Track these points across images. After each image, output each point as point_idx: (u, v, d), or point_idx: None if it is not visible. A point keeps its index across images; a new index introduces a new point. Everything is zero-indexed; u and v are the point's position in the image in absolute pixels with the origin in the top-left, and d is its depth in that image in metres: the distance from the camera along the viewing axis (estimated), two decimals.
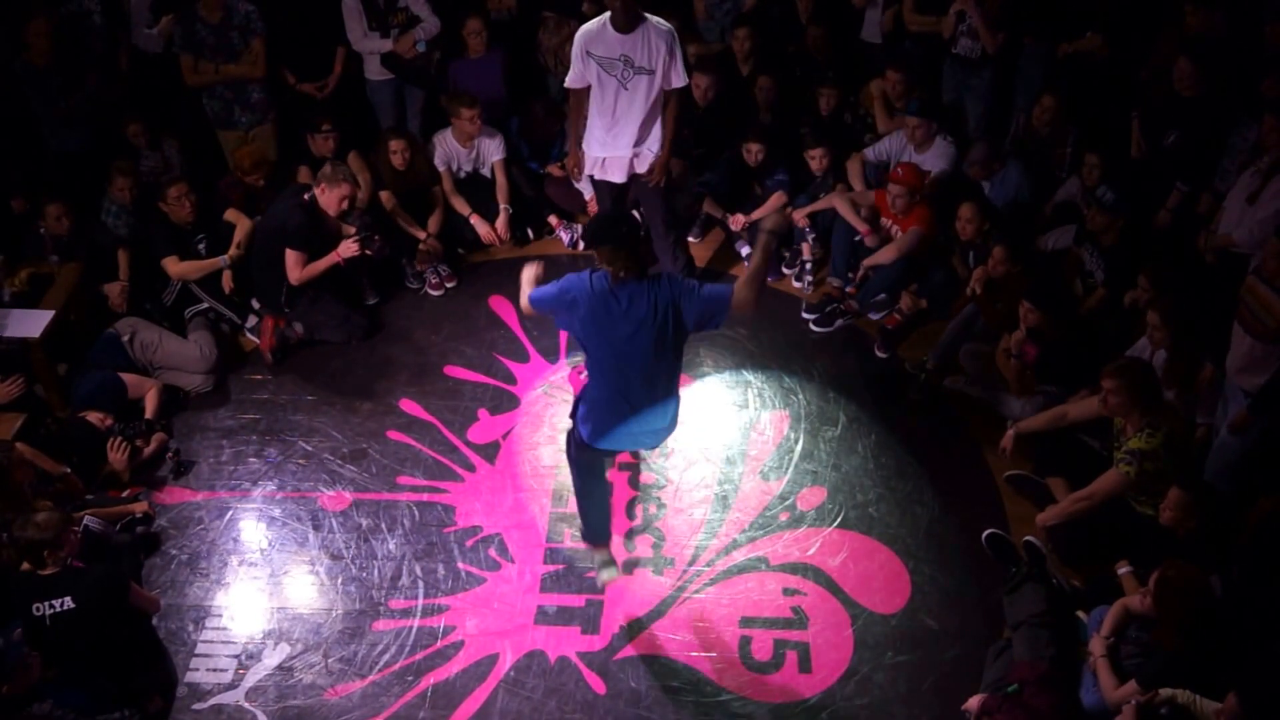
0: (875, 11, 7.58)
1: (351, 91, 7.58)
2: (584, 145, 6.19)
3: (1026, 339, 5.80)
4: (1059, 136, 6.85)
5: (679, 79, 5.88)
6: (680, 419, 4.70)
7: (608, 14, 5.77)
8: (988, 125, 7.33)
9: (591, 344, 4.45)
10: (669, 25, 5.82)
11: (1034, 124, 6.88)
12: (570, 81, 6.01)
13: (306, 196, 6.35)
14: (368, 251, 6.43)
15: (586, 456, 4.79)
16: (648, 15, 5.77)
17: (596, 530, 5.04)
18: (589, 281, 4.37)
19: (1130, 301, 5.84)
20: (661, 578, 5.28)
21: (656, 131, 6.05)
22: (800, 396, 6.24)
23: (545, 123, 7.52)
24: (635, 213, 6.93)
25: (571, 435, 4.77)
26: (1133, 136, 6.50)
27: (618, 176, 6.19)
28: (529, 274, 4.72)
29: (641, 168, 6.14)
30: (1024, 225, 6.63)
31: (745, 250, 7.21)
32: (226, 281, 6.61)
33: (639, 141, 6.04)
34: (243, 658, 4.98)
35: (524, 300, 4.62)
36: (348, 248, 6.35)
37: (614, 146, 6.07)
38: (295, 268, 6.33)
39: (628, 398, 4.48)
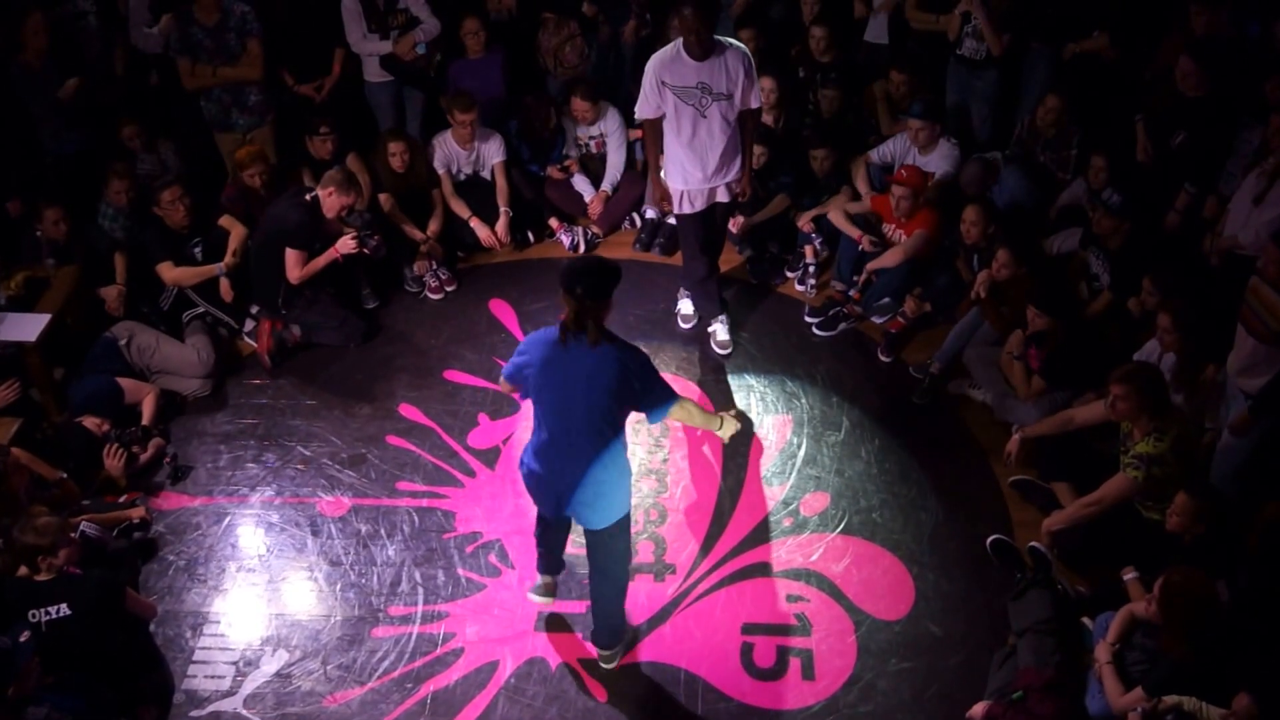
0: (881, 14, 7.56)
1: (350, 93, 7.55)
2: (665, 177, 6.04)
3: (1031, 342, 5.77)
4: (1064, 138, 6.81)
5: (756, 99, 5.78)
6: (606, 507, 4.39)
7: (680, 40, 5.62)
8: (992, 127, 7.30)
9: (536, 392, 4.26)
10: (743, 47, 5.71)
11: (1038, 124, 6.85)
12: (642, 112, 5.84)
13: (308, 196, 6.33)
14: (365, 250, 6.41)
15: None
16: (720, 38, 5.64)
17: (542, 561, 4.95)
18: (549, 333, 4.19)
19: (1135, 306, 5.80)
20: (663, 584, 5.25)
21: (736, 159, 5.93)
22: (803, 401, 6.20)
23: (538, 111, 7.46)
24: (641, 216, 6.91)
25: None
26: (1138, 141, 6.46)
27: (700, 205, 6.06)
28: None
29: (723, 196, 6.05)
30: (1029, 228, 6.60)
31: (747, 252, 7.17)
32: (225, 291, 6.57)
33: (720, 170, 5.90)
34: (241, 664, 4.95)
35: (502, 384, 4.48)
36: (346, 244, 6.34)
37: (698, 179, 5.92)
38: (295, 267, 6.31)
39: (550, 456, 4.30)
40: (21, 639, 4.22)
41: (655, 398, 4.21)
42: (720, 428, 4.62)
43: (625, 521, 4.51)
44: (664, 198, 6.09)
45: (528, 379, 4.25)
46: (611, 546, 4.56)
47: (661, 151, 6.00)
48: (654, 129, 5.93)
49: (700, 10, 5.44)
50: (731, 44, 5.67)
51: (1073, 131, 6.81)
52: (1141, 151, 6.43)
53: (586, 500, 4.34)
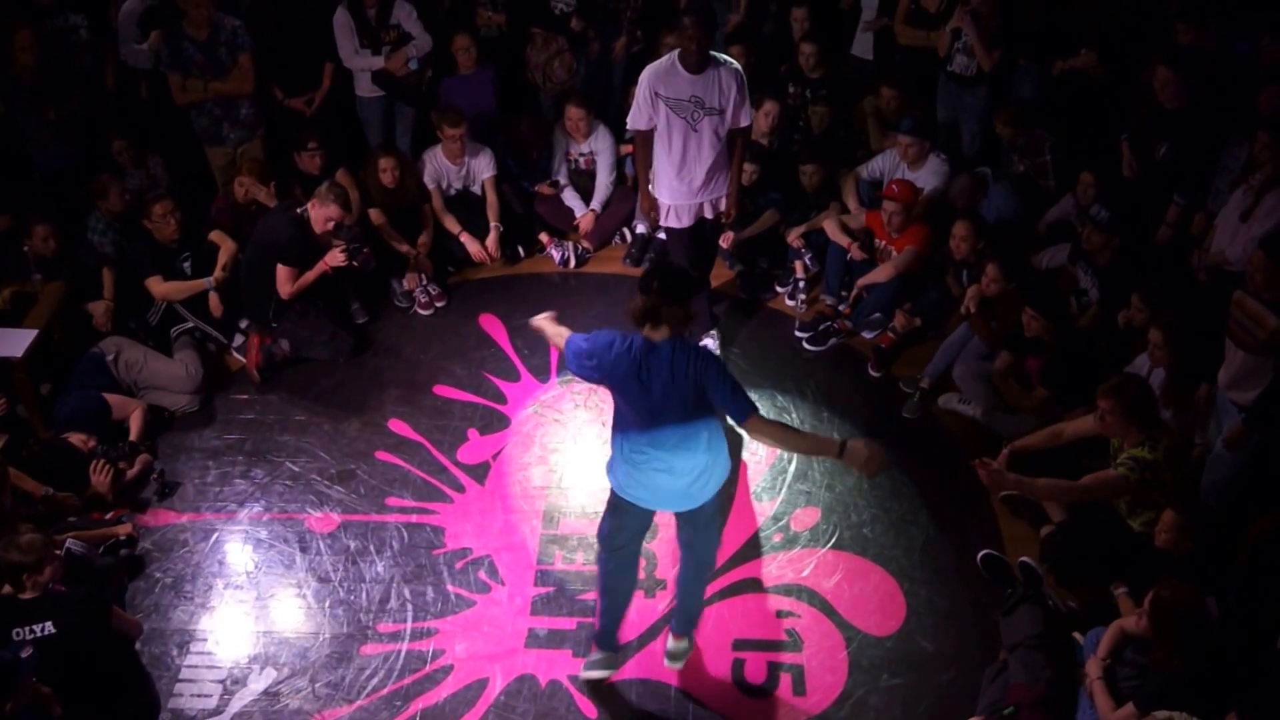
0: (870, 25, 7.60)
1: (341, 108, 7.55)
2: (654, 190, 6.05)
3: (1028, 353, 5.77)
4: (1034, 144, 6.86)
5: (746, 118, 5.80)
6: (720, 475, 4.39)
7: (675, 53, 5.65)
8: (982, 143, 7.33)
9: (618, 397, 4.27)
10: (737, 64, 5.73)
11: (1000, 137, 6.89)
12: (634, 123, 5.86)
13: (299, 211, 6.32)
14: (354, 263, 6.40)
15: (615, 525, 4.54)
16: (715, 54, 5.67)
17: (608, 628, 4.79)
18: (623, 340, 4.19)
19: (1124, 320, 5.82)
20: (653, 600, 5.22)
21: (723, 176, 5.95)
22: (793, 416, 6.20)
23: (531, 141, 7.49)
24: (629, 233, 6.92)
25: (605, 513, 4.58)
26: (1124, 158, 6.49)
27: (687, 221, 6.07)
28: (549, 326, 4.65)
29: (709, 212, 6.06)
30: (1018, 243, 6.62)
31: (737, 268, 7.18)
32: (215, 306, 6.55)
33: (708, 185, 5.91)
34: (228, 683, 4.90)
35: (559, 341, 4.50)
36: (335, 257, 6.33)
37: (684, 193, 5.93)
38: (286, 282, 6.31)
39: (648, 450, 4.26)
40: (24, 655, 4.19)
41: (734, 397, 4.12)
42: (841, 455, 4.19)
43: (722, 494, 4.51)
44: (653, 207, 6.10)
45: (593, 375, 4.27)
46: (711, 524, 4.58)
47: (651, 164, 6.00)
48: (645, 141, 5.94)
49: (700, 20, 5.50)
50: (726, 60, 5.69)
51: (1042, 138, 6.87)
52: (1127, 168, 6.47)
53: (702, 479, 4.33)
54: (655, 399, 4.13)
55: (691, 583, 4.75)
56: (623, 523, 4.53)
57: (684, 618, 4.86)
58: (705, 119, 5.70)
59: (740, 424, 4.15)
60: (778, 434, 4.24)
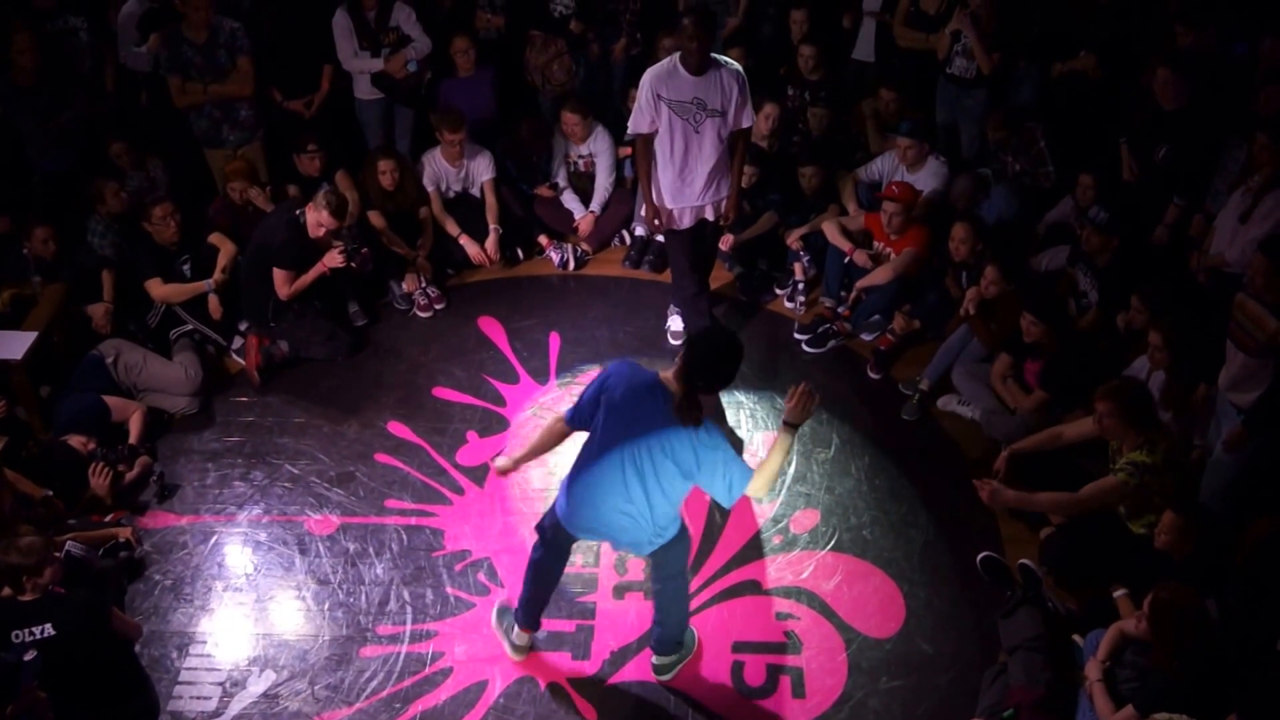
0: (868, 29, 7.60)
1: (340, 110, 7.55)
2: (655, 195, 6.05)
3: (1027, 356, 5.78)
4: (1026, 138, 6.89)
5: (748, 119, 5.81)
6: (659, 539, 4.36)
7: (676, 55, 5.66)
8: (981, 146, 7.34)
9: (599, 424, 4.19)
10: (739, 67, 5.74)
11: (993, 142, 6.90)
12: (636, 126, 5.86)
13: (297, 213, 6.32)
14: (352, 264, 6.40)
15: (555, 533, 4.52)
16: (716, 56, 5.68)
17: (530, 608, 4.83)
18: (634, 373, 4.14)
19: (1124, 323, 5.82)
20: (652, 602, 5.21)
21: (724, 178, 5.96)
22: None
23: (531, 144, 7.49)
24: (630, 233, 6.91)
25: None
26: (1123, 161, 6.50)
27: (688, 223, 6.08)
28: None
29: (710, 214, 6.06)
30: (1017, 245, 6.62)
31: (737, 270, 7.17)
32: (214, 308, 6.55)
33: (709, 188, 5.92)
34: (227, 685, 4.90)
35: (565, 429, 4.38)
36: (333, 258, 6.33)
37: (686, 196, 5.94)
38: (283, 285, 6.31)
39: (610, 496, 4.20)
40: (27, 658, 4.18)
41: (716, 484, 4.07)
42: (792, 432, 4.22)
43: (683, 531, 4.48)
44: (655, 215, 6.08)
45: (592, 411, 4.20)
46: (673, 556, 4.53)
47: (652, 169, 6.00)
48: (646, 145, 5.94)
49: (700, 20, 5.52)
50: (727, 62, 5.70)
51: (1032, 128, 6.91)
52: (1127, 171, 6.47)
53: (642, 540, 4.33)
54: (638, 450, 4.05)
55: (664, 608, 4.75)
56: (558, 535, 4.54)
57: (663, 639, 4.84)
58: (707, 121, 5.70)
59: (727, 497, 4.11)
60: (768, 477, 4.15)
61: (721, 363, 4.03)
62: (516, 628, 4.89)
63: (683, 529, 4.47)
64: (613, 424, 4.13)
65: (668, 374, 4.07)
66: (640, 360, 6.38)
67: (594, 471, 4.20)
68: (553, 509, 4.47)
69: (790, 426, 4.14)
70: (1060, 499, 5.06)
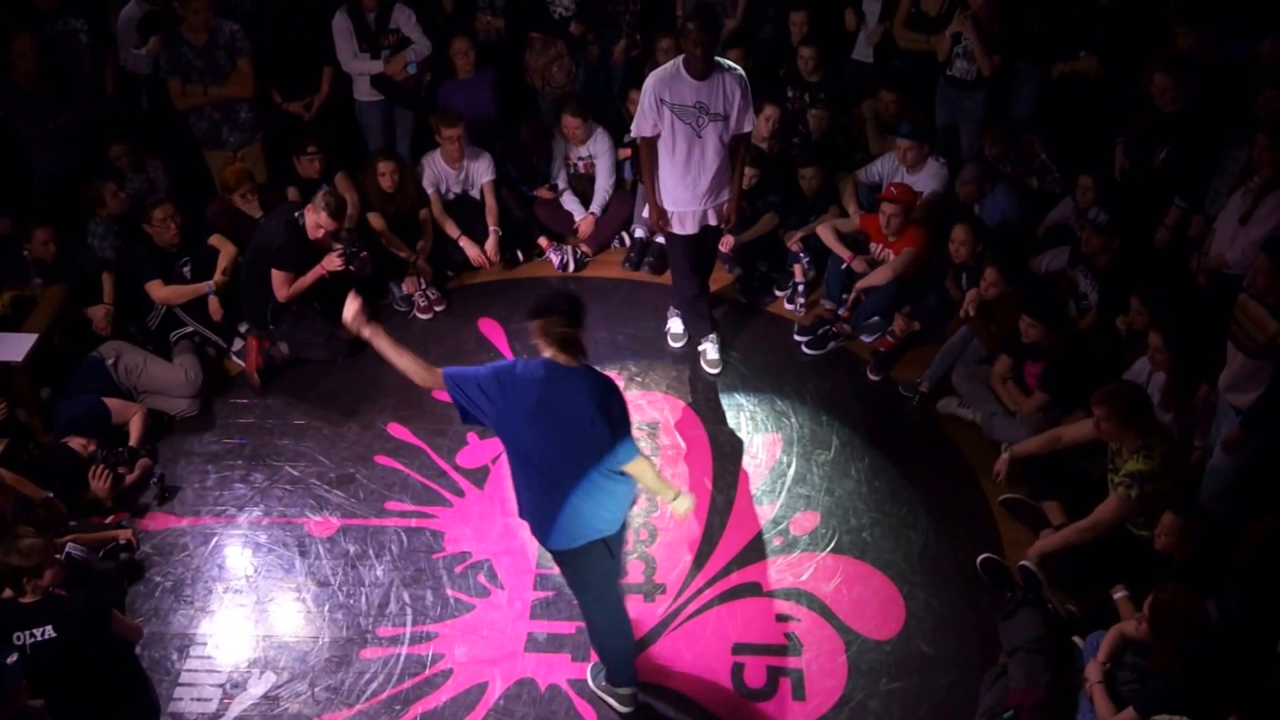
0: (867, 30, 7.60)
1: (340, 112, 7.55)
2: (659, 199, 6.05)
3: (1027, 357, 5.79)
4: (1026, 153, 6.91)
5: (749, 123, 5.82)
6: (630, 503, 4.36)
7: (680, 59, 5.67)
8: (980, 148, 7.33)
9: (513, 436, 4.11)
10: (741, 70, 5.74)
11: (989, 158, 6.92)
12: (639, 129, 5.86)
13: (296, 216, 6.32)
14: (351, 267, 6.40)
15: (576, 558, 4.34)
16: (720, 60, 5.69)
17: (619, 660, 4.64)
18: (520, 369, 4.06)
19: (1124, 324, 5.82)
20: (653, 604, 5.23)
21: (726, 181, 5.96)
22: (793, 420, 6.20)
23: (531, 146, 7.49)
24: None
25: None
26: (1115, 160, 6.51)
27: (691, 228, 6.08)
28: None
29: (713, 218, 6.07)
30: (1017, 247, 6.62)
31: (736, 271, 7.18)
32: (215, 310, 6.55)
33: (711, 191, 5.92)
34: (228, 687, 4.91)
35: (427, 377, 4.21)
36: (331, 261, 6.33)
37: (689, 200, 5.94)
38: (282, 286, 6.31)
39: (556, 489, 4.13)
40: (9, 660, 4.18)
41: (626, 429, 4.14)
42: (674, 500, 4.38)
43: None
44: (661, 216, 6.09)
45: (486, 417, 4.08)
46: (579, 578, 4.46)
47: (655, 173, 6.00)
48: (650, 148, 5.94)
49: (704, 26, 5.52)
50: (731, 66, 5.70)
51: (1030, 142, 6.96)
52: (1118, 169, 6.47)
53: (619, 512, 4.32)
54: (566, 433, 4.03)
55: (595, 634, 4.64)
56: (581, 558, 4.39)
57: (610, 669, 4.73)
58: (710, 125, 5.70)
59: (628, 449, 4.14)
60: (648, 470, 4.27)
61: (564, 297, 4.09)
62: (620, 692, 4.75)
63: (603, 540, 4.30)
64: (541, 432, 4.04)
65: (544, 352, 4.04)
66: (640, 363, 6.49)
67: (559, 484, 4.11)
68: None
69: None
70: (1072, 532, 5.05)
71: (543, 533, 4.27)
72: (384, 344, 4.26)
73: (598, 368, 6.42)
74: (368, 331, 4.27)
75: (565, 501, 4.11)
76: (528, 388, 4.00)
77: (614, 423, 4.07)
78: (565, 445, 4.04)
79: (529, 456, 4.11)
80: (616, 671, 4.70)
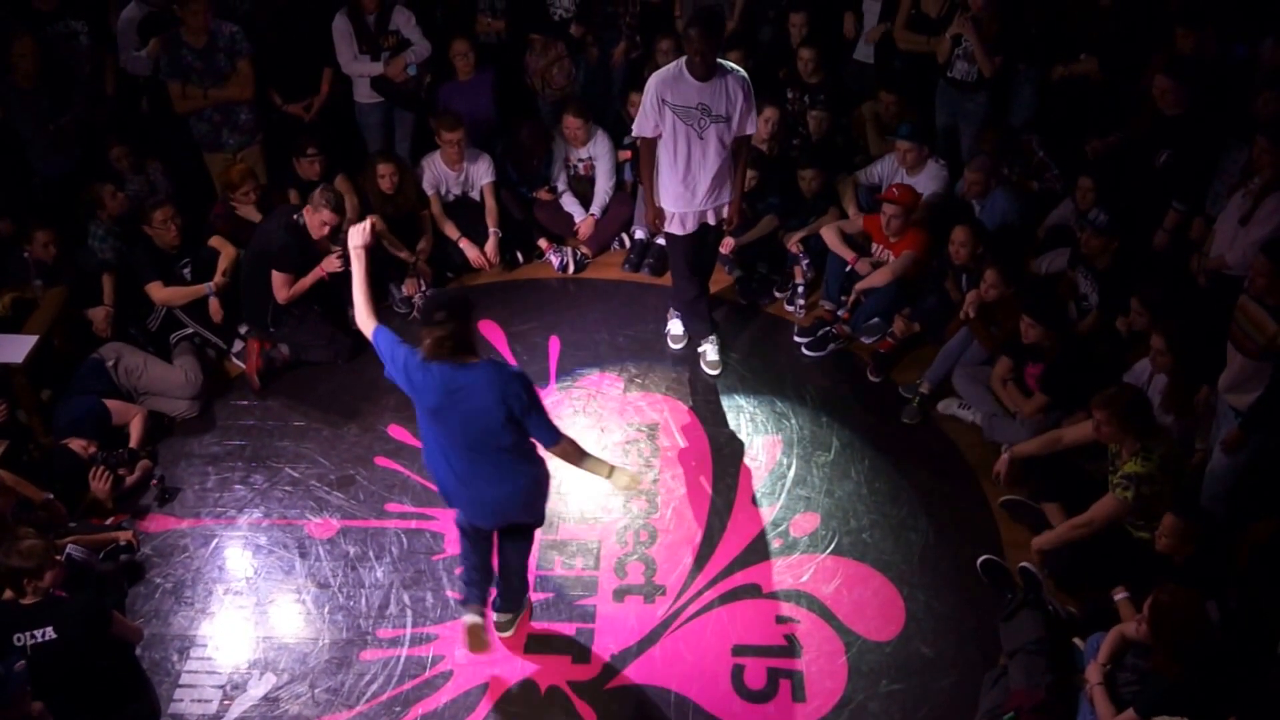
0: (869, 34, 7.61)
1: (339, 114, 7.56)
2: (658, 199, 6.06)
3: (1027, 359, 5.79)
4: (1023, 153, 6.92)
5: (751, 126, 5.82)
6: (528, 497, 4.50)
7: (683, 60, 5.67)
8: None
9: (422, 423, 4.38)
10: (744, 73, 5.74)
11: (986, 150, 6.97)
12: (640, 129, 5.86)
13: (296, 217, 6.32)
14: (350, 269, 6.38)
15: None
16: (723, 62, 5.69)
17: (477, 587, 4.87)
18: (423, 373, 4.20)
19: (1125, 326, 5.82)
20: (653, 605, 5.22)
21: (726, 183, 5.96)
22: (793, 421, 6.20)
23: (532, 148, 7.50)
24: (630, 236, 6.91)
25: None
26: (1095, 145, 6.53)
27: (690, 228, 6.08)
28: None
29: (712, 219, 6.07)
30: (1017, 248, 6.63)
31: (736, 273, 7.18)
32: (215, 312, 6.55)
33: (712, 193, 5.92)
34: (228, 688, 4.90)
35: (369, 324, 4.43)
36: (331, 263, 6.33)
37: (688, 200, 5.94)
38: (282, 288, 6.31)
39: (452, 467, 4.38)
40: (16, 667, 4.18)
41: (536, 416, 4.24)
42: (609, 476, 4.54)
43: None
44: (658, 216, 6.09)
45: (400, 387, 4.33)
46: (530, 533, 4.77)
47: (654, 173, 6.00)
48: (650, 149, 5.94)
49: (706, 31, 5.52)
50: (734, 69, 5.71)
51: (1025, 142, 6.98)
52: (1098, 147, 6.49)
53: (519, 506, 4.50)
54: (454, 423, 4.22)
55: (515, 569, 4.87)
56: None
57: (511, 598, 4.94)
58: (711, 127, 5.71)
59: (549, 448, 4.33)
60: (573, 450, 4.40)
61: (437, 297, 4.32)
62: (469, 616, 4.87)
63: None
64: (443, 423, 4.26)
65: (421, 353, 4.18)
66: (640, 364, 6.50)
67: (460, 468, 4.35)
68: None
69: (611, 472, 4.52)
70: (1069, 529, 5.08)
71: (470, 512, 4.56)
72: (360, 270, 4.46)
73: (598, 369, 6.51)
74: (357, 242, 4.48)
75: (476, 488, 4.37)
76: (431, 390, 4.18)
77: (523, 413, 4.20)
78: (470, 440, 4.25)
79: (437, 445, 4.36)
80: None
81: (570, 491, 5.76)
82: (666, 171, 5.91)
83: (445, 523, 5.62)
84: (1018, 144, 7.04)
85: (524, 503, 4.51)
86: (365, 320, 4.42)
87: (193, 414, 6.26)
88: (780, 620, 5.15)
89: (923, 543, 5.51)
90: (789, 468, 5.91)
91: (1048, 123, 7.22)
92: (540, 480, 4.50)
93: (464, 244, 7.26)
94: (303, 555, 5.49)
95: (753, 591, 5.28)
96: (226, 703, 4.84)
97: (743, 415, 6.25)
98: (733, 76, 5.67)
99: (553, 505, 5.61)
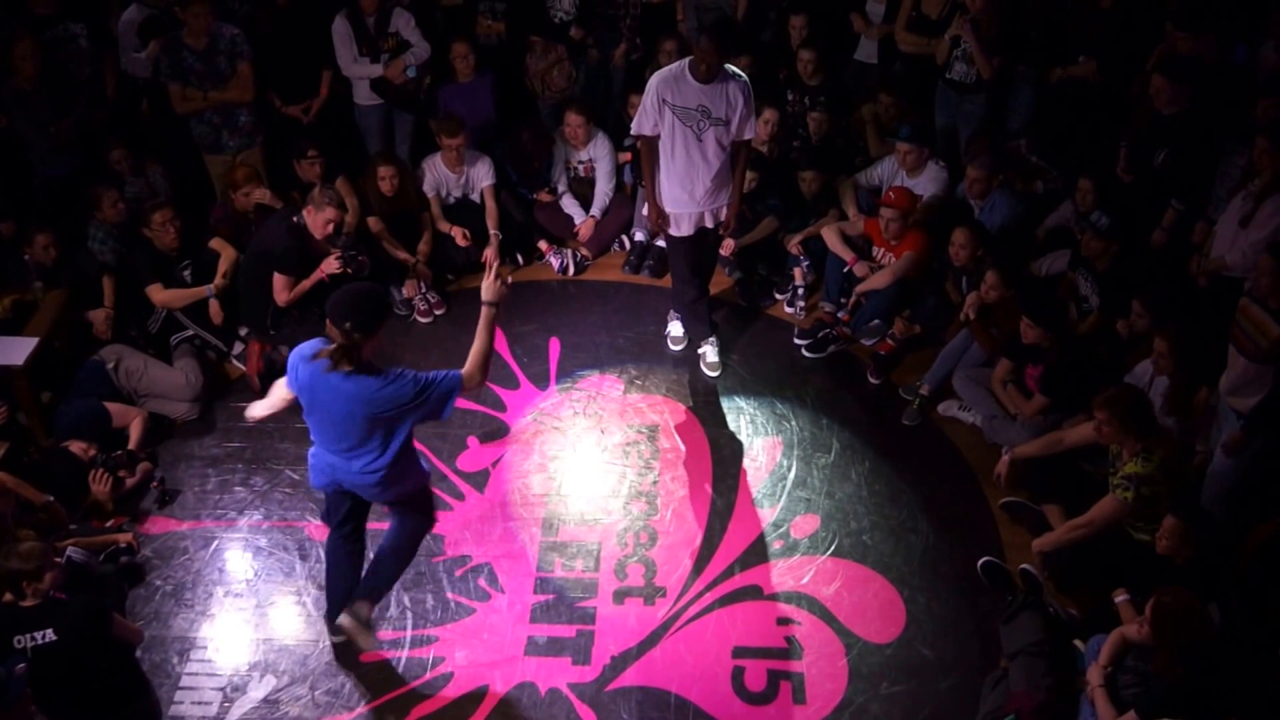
0: (872, 31, 7.62)
1: (340, 116, 7.56)
2: (659, 200, 6.07)
3: (1028, 360, 5.79)
4: (1015, 158, 6.97)
5: (750, 131, 5.84)
6: (396, 480, 4.53)
7: (685, 61, 5.68)
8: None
9: (308, 412, 4.44)
10: (746, 78, 5.75)
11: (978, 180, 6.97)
12: (639, 127, 5.87)
13: (296, 219, 6.31)
14: (349, 270, 6.39)
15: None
16: (727, 66, 5.69)
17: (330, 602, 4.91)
18: (304, 373, 4.31)
19: (1125, 328, 5.82)
20: (653, 607, 5.22)
21: (725, 186, 5.97)
22: (793, 423, 6.20)
23: (533, 151, 7.49)
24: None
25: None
26: (1119, 163, 6.51)
27: (688, 230, 6.09)
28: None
29: (710, 221, 6.08)
30: (1017, 250, 6.63)
31: (736, 275, 7.18)
32: (215, 313, 6.55)
33: (710, 195, 5.93)
34: (228, 690, 4.90)
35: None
36: (330, 265, 6.31)
37: (686, 202, 5.95)
38: (283, 290, 6.29)
39: (336, 463, 4.50)
40: (17, 670, 4.17)
41: (435, 404, 4.33)
42: (491, 300, 4.52)
43: (426, 491, 4.80)
44: (659, 216, 6.09)
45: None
46: (413, 511, 4.78)
47: (655, 173, 6.01)
48: (650, 148, 5.95)
49: (718, 42, 5.54)
50: (736, 73, 5.71)
51: (1014, 147, 7.00)
52: (1122, 171, 6.48)
53: (384, 486, 4.53)
54: (337, 419, 4.34)
55: (385, 562, 4.87)
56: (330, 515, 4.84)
57: (372, 584, 4.89)
58: (710, 129, 5.71)
59: (458, 393, 4.38)
60: (480, 361, 4.46)
61: (356, 298, 4.28)
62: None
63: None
64: (320, 415, 4.39)
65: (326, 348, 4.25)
66: (640, 366, 6.50)
67: (337, 455, 4.47)
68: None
69: (489, 305, 4.49)
70: (1070, 530, 5.08)
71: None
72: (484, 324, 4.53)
73: (598, 371, 6.52)
74: (490, 297, 4.52)
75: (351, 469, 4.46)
76: (309, 390, 4.32)
77: (387, 419, 4.32)
78: (339, 434, 4.38)
79: (317, 431, 4.49)
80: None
81: (570, 493, 5.77)
82: (665, 172, 5.92)
83: (445, 524, 5.62)
84: (1008, 149, 7.03)
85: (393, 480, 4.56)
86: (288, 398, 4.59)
87: (193, 416, 6.26)
88: (781, 622, 5.15)
89: (923, 545, 5.51)
90: (789, 469, 5.91)
91: (1047, 125, 7.21)
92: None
93: (454, 231, 7.21)
94: (303, 557, 5.49)
95: (753, 593, 5.28)
96: (227, 705, 4.84)
97: (743, 417, 6.25)
98: (735, 81, 5.67)
99: (553, 507, 5.65)
